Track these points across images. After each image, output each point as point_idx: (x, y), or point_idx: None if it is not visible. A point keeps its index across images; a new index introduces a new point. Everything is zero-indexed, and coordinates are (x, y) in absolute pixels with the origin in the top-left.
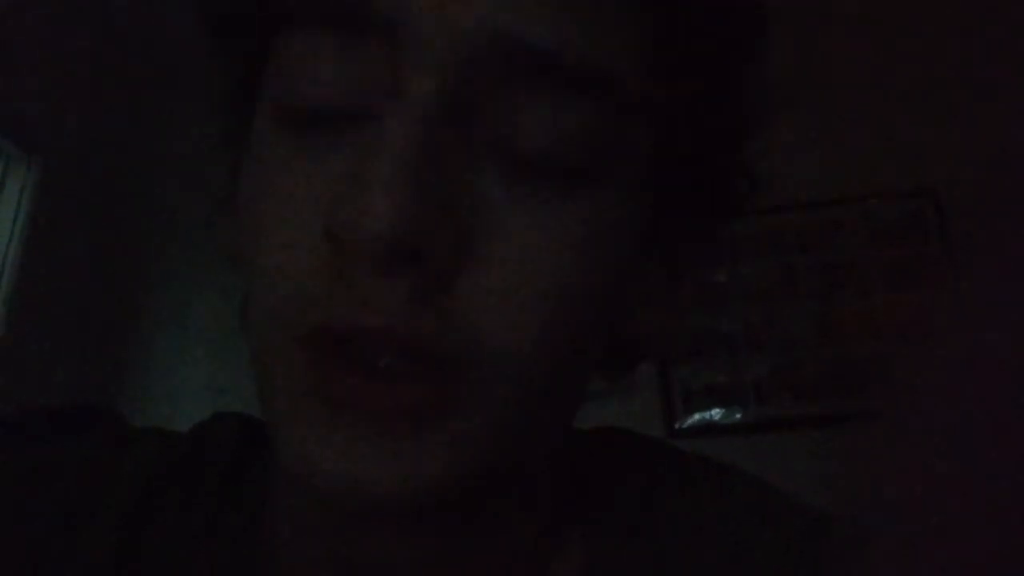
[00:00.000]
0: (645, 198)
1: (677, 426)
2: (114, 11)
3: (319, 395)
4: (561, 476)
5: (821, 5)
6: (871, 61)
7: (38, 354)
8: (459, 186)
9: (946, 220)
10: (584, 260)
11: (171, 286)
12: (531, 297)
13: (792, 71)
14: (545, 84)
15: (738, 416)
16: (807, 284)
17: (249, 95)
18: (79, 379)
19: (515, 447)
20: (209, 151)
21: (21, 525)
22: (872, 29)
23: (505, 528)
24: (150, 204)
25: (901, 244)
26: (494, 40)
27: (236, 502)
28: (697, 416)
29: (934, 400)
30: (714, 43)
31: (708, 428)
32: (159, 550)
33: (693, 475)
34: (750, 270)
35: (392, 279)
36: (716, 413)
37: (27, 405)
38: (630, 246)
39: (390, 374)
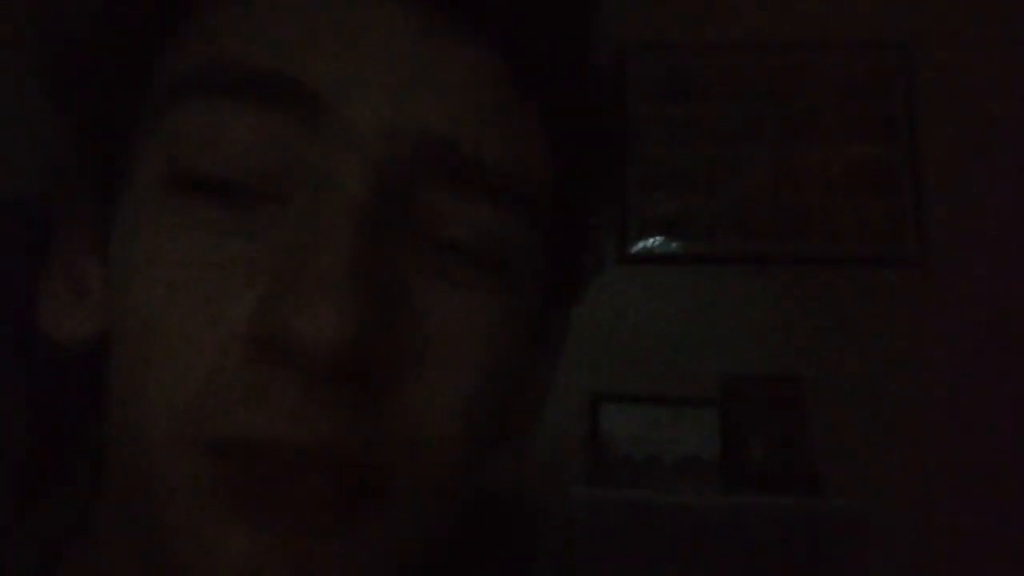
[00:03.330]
0: (538, 287)
1: (629, 251)
2: None
3: (229, 502)
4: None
5: None
6: None
7: None
8: (397, 286)
9: (914, 76)
10: (505, 350)
11: None
12: (465, 391)
13: None
14: (468, 190)
15: (688, 248)
16: (769, 127)
17: (119, 156)
18: None
19: (434, 534)
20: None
21: None
22: None
23: None
24: None
25: (865, 96)
26: (427, 141)
27: None
28: (649, 242)
29: None
30: (603, 156)
31: (658, 256)
32: None
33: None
34: (716, 109)
35: (328, 394)
36: (667, 243)
37: None
38: (529, 332)
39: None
